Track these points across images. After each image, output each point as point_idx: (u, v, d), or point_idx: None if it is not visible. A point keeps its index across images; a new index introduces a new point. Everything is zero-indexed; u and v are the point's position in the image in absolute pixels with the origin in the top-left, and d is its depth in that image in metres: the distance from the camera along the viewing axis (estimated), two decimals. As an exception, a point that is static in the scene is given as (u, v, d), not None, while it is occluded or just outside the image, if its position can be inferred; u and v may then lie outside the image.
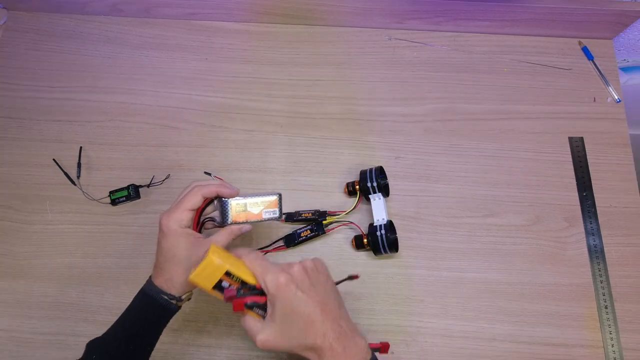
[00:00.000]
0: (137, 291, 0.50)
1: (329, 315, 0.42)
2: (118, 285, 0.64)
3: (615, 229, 0.68)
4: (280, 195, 0.53)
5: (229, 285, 0.44)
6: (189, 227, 0.49)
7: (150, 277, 0.50)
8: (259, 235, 0.67)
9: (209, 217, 0.53)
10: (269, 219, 0.52)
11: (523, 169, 0.71)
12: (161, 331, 0.51)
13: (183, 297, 0.49)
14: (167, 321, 0.51)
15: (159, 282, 0.48)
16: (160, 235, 0.49)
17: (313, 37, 0.79)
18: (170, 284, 0.48)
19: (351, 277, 0.48)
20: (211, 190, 0.50)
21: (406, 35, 0.79)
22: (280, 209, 0.52)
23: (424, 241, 0.67)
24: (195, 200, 0.49)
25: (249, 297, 0.43)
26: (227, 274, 0.43)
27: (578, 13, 0.73)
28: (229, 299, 0.42)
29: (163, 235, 0.48)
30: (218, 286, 0.44)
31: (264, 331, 0.42)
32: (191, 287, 0.49)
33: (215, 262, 0.43)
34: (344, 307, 0.46)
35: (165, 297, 0.48)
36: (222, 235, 0.50)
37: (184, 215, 0.48)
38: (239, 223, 0.52)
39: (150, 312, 0.49)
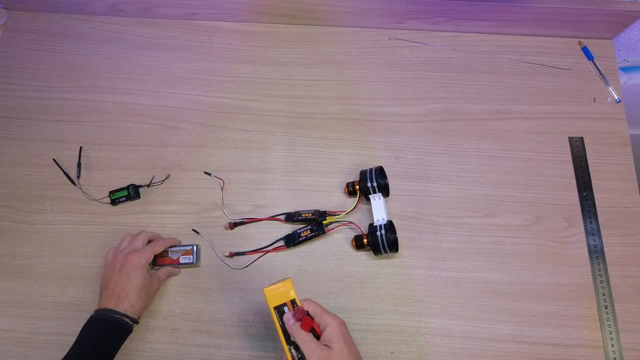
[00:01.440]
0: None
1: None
2: (118, 285, 0.64)
3: (615, 229, 0.68)
4: (196, 246, 0.65)
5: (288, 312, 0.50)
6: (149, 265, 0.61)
7: (100, 307, 0.56)
8: (259, 235, 0.67)
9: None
10: (185, 264, 0.64)
11: (523, 169, 0.71)
12: (116, 351, 0.55)
13: (139, 319, 0.58)
14: (124, 340, 0.56)
15: (123, 308, 0.56)
16: (130, 269, 0.58)
17: (313, 37, 0.79)
18: (133, 308, 0.56)
19: None
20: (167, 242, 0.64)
21: (406, 35, 0.79)
22: (195, 256, 0.65)
23: (424, 241, 0.67)
24: (160, 249, 0.63)
25: (314, 322, 0.49)
26: (293, 302, 0.50)
27: (578, 13, 0.73)
28: (301, 314, 0.48)
29: (135, 268, 0.58)
30: (279, 309, 0.50)
31: (319, 353, 0.47)
32: (143, 311, 0.59)
33: (291, 286, 0.51)
34: None
35: (120, 316, 0.55)
36: (162, 272, 0.63)
37: (150, 257, 0.60)
38: (164, 266, 0.64)
39: (109, 330, 0.55)
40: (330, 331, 0.48)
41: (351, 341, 0.50)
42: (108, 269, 0.59)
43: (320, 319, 0.49)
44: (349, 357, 0.47)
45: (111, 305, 0.56)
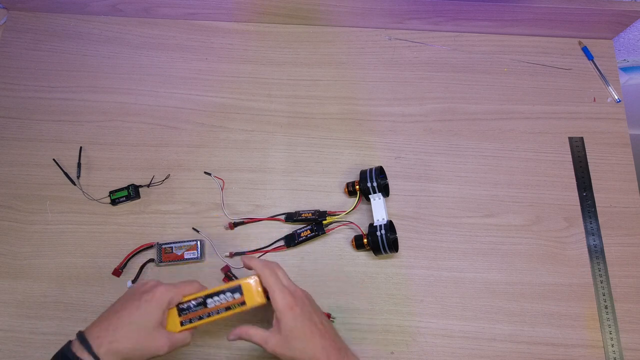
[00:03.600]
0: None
1: (327, 335, 0.49)
2: (118, 285, 0.64)
3: (615, 229, 0.68)
4: (200, 241, 0.65)
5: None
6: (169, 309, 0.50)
7: (79, 332, 0.46)
8: (259, 235, 0.67)
9: (150, 258, 0.66)
10: (190, 259, 0.64)
11: (523, 169, 0.71)
12: None
13: None
14: None
15: (99, 343, 0.44)
16: (145, 299, 0.47)
17: (313, 37, 0.79)
18: (110, 350, 0.44)
19: None
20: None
21: (406, 35, 0.79)
22: (200, 252, 0.65)
23: (424, 241, 0.67)
24: (192, 289, 0.52)
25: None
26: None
27: (578, 13, 0.73)
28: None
29: (150, 301, 0.47)
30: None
31: (271, 340, 0.48)
32: None
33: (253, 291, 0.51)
34: (339, 336, 0.52)
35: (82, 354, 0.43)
36: (180, 336, 0.49)
37: (177, 296, 0.50)
38: (170, 262, 0.64)
39: None
40: (278, 320, 0.48)
41: (312, 311, 0.49)
42: (126, 292, 0.51)
43: (271, 296, 0.48)
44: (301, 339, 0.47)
45: (92, 332, 0.45)
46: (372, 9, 0.75)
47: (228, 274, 0.64)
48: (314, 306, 0.51)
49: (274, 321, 0.49)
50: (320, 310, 0.53)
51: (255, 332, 0.49)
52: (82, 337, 0.45)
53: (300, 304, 0.49)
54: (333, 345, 0.49)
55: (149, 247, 0.66)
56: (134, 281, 0.64)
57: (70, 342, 0.46)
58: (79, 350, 0.44)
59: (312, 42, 0.79)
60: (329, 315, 0.62)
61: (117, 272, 0.64)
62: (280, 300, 0.47)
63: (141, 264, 0.65)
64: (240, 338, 0.50)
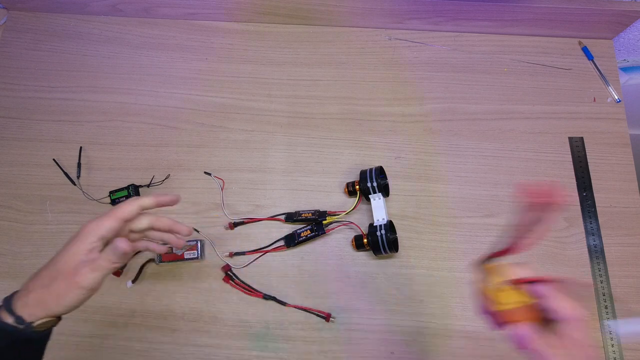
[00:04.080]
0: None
1: None
2: (118, 285, 0.64)
3: (615, 229, 0.68)
4: (200, 241, 0.65)
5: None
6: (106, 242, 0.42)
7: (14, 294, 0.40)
8: (259, 235, 0.67)
9: (150, 258, 0.64)
10: (190, 259, 0.64)
11: (523, 169, 0.71)
12: None
13: (36, 323, 0.40)
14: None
15: (20, 301, 0.39)
16: (70, 239, 0.41)
17: (313, 37, 0.79)
18: (30, 299, 0.39)
19: None
20: (148, 201, 0.45)
21: (406, 35, 0.79)
22: (200, 252, 0.65)
23: (424, 241, 0.67)
24: (131, 209, 0.43)
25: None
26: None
27: (578, 13, 0.73)
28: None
29: (73, 238, 0.41)
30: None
31: None
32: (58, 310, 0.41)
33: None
34: None
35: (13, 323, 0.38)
36: (106, 254, 0.42)
37: (108, 223, 0.42)
38: (170, 262, 0.64)
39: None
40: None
41: None
42: None
43: (556, 306, 0.36)
44: None
45: (20, 294, 0.40)
46: (372, 9, 0.75)
47: (228, 274, 0.64)
48: None
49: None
50: None
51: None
52: (7, 297, 0.40)
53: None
54: None
55: None
56: (134, 281, 0.64)
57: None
58: (2, 310, 0.39)
59: (312, 42, 0.79)
60: (329, 316, 0.62)
61: (117, 272, 0.64)
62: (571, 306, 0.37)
63: (141, 264, 0.65)
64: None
